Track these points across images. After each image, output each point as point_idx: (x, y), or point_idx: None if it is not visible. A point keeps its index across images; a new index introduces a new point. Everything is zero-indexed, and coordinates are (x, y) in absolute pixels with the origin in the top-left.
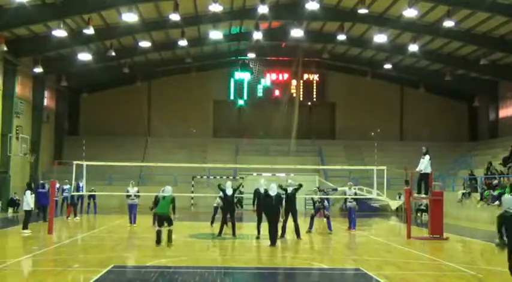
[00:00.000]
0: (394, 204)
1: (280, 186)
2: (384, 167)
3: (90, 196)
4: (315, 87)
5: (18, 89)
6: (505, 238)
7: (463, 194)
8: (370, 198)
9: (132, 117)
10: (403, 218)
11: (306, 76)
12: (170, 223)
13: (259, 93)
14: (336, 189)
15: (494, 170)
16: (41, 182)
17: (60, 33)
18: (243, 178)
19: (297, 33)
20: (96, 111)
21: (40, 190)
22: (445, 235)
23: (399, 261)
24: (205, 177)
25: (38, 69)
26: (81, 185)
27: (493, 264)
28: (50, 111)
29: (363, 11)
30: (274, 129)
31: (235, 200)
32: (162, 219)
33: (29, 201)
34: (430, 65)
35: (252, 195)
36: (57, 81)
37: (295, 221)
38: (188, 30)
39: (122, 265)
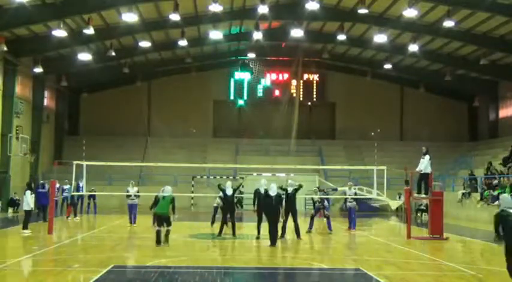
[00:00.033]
0: (394, 204)
1: (280, 187)
2: (384, 167)
3: (90, 196)
4: (315, 87)
5: (18, 89)
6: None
7: (463, 194)
8: (370, 198)
9: (132, 117)
10: (403, 218)
11: (306, 76)
12: (169, 224)
13: (259, 93)
14: (336, 189)
15: (494, 170)
16: (41, 182)
17: (60, 33)
18: (243, 178)
19: (297, 33)
20: (96, 111)
21: (40, 190)
22: (445, 235)
23: (399, 261)
24: (205, 177)
25: (38, 69)
26: (81, 185)
27: (493, 264)
28: (50, 111)
29: (363, 11)
30: (274, 129)
31: (235, 200)
32: (162, 219)
33: (29, 201)
34: (430, 65)
35: (252, 195)
36: (57, 81)
37: (295, 221)
38: (188, 30)
39: (122, 265)
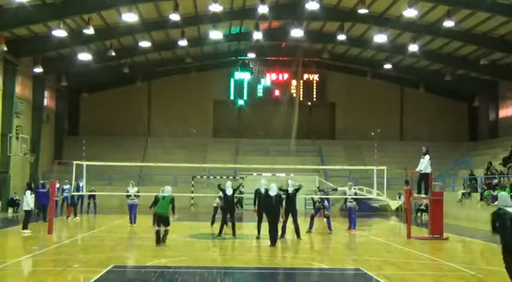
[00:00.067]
0: (394, 204)
1: (280, 188)
2: (384, 167)
3: (90, 196)
4: (315, 87)
5: (18, 89)
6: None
7: (463, 194)
8: (370, 198)
9: (132, 117)
10: (403, 218)
11: (306, 76)
12: (167, 224)
13: (259, 93)
14: (336, 189)
15: (494, 170)
16: (41, 182)
17: (60, 33)
18: (243, 178)
19: (297, 33)
20: (96, 111)
21: (40, 190)
22: (445, 235)
23: (399, 261)
24: (205, 177)
25: (38, 69)
26: (81, 185)
27: (493, 264)
28: (50, 111)
29: (363, 11)
30: (274, 129)
31: (235, 200)
32: (161, 219)
33: (29, 201)
34: (430, 65)
35: (252, 195)
36: (57, 81)
37: (295, 221)
38: (188, 30)
39: (122, 265)
